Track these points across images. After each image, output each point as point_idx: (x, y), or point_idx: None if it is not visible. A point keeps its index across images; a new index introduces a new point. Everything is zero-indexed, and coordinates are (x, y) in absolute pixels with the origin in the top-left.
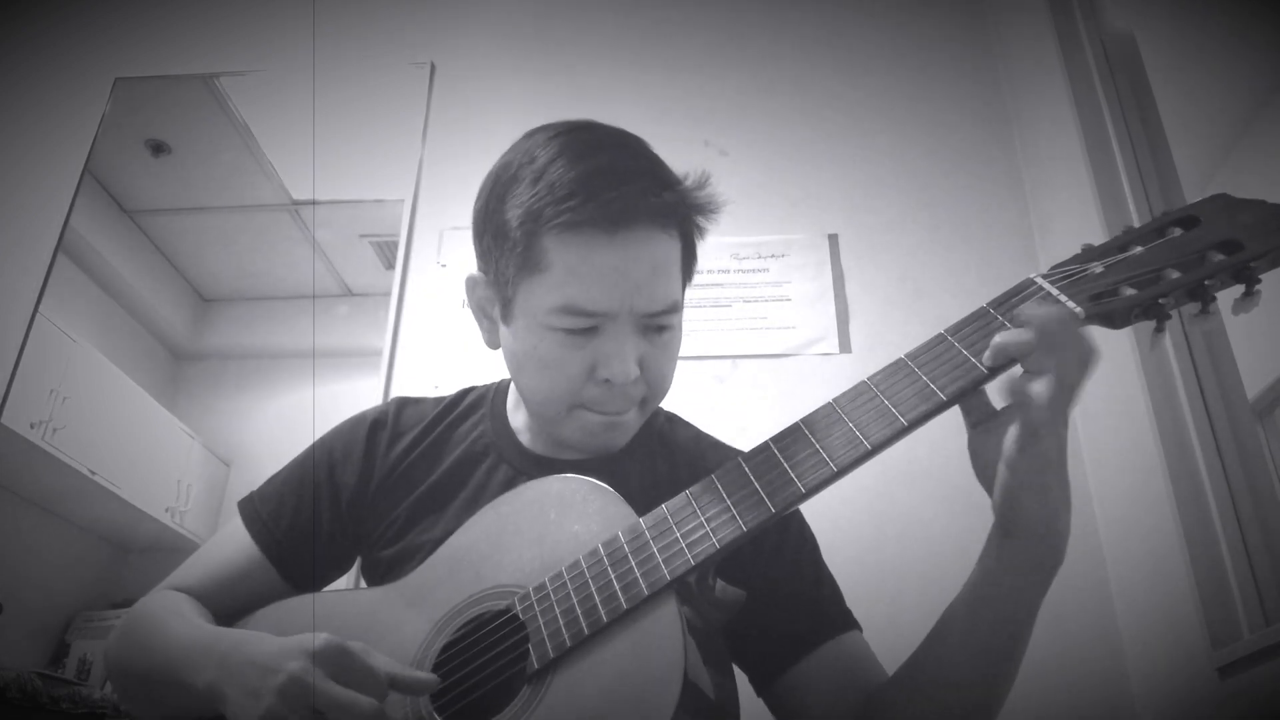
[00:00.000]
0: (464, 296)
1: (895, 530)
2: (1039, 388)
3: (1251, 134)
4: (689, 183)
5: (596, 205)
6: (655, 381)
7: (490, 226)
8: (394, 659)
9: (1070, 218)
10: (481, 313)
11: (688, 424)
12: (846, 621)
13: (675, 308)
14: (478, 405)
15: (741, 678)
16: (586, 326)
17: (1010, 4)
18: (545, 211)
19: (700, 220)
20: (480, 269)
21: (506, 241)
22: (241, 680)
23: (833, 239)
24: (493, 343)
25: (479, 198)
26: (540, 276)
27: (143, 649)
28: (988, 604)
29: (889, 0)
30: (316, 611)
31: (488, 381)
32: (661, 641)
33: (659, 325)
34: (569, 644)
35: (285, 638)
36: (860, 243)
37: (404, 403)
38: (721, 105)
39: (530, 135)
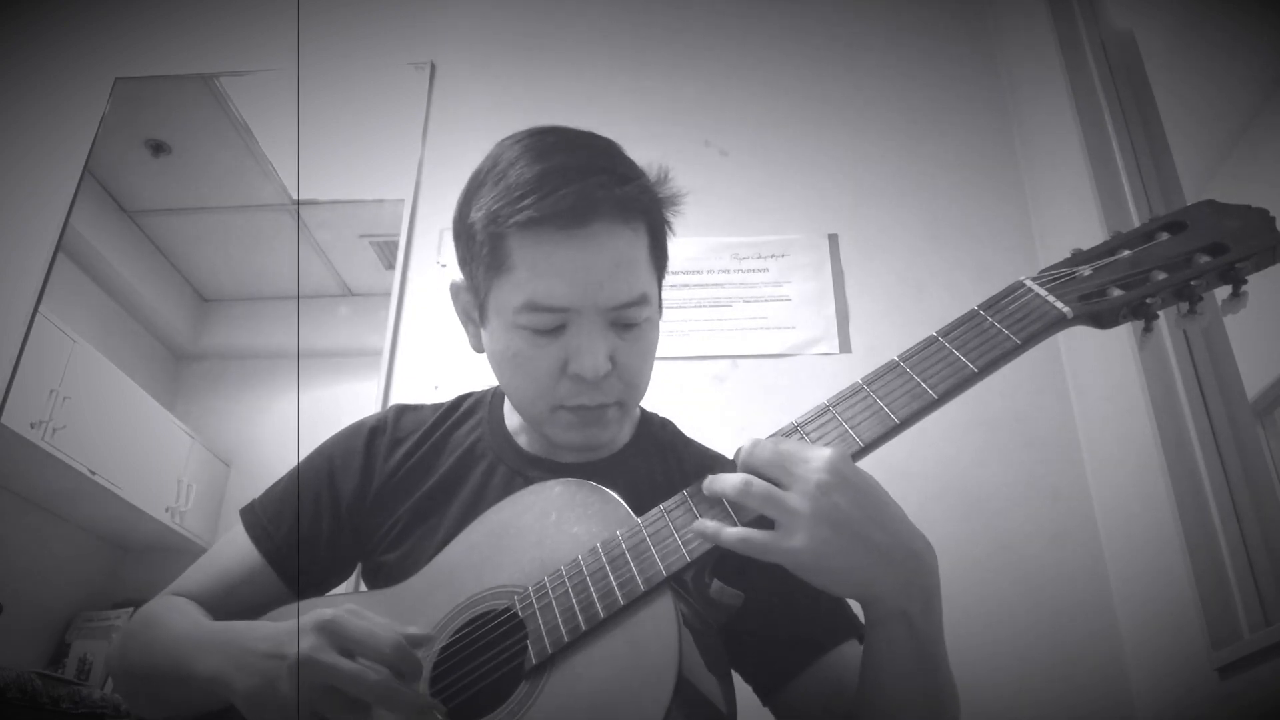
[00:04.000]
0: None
1: None
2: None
3: (1251, 134)
4: (651, 176)
5: (553, 201)
6: (630, 378)
7: (462, 234)
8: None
9: (1070, 217)
10: (466, 318)
11: (680, 431)
12: (849, 628)
13: (644, 300)
14: (475, 409)
15: (743, 689)
16: (553, 325)
17: (1010, 4)
18: (503, 211)
19: (664, 212)
20: (461, 275)
21: (474, 245)
22: (247, 669)
23: (833, 239)
24: (478, 346)
25: (455, 207)
26: (506, 277)
27: (145, 648)
28: (878, 653)
29: (889, 0)
30: None
31: (487, 385)
32: (656, 636)
33: (628, 320)
34: (566, 640)
35: (281, 623)
36: (860, 243)
37: (403, 410)
38: (721, 105)
39: (500, 143)
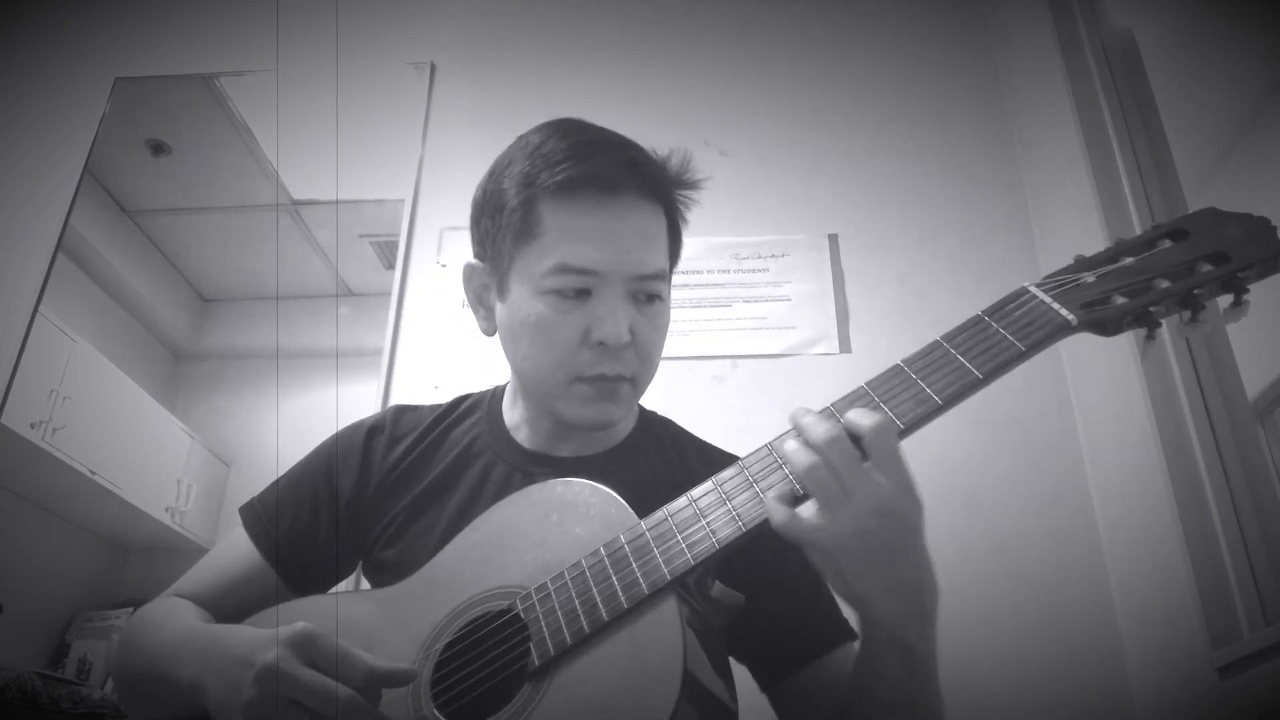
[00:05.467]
0: (462, 296)
1: None
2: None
3: (1251, 134)
4: (674, 162)
5: (589, 166)
6: (646, 352)
7: (489, 206)
8: (396, 659)
9: (1070, 217)
10: (478, 300)
11: (681, 427)
12: (843, 633)
13: (663, 276)
14: (474, 409)
15: (743, 676)
16: (579, 287)
17: (1010, 4)
18: (540, 175)
19: (682, 196)
20: (477, 255)
21: (502, 214)
22: (220, 674)
23: (833, 239)
24: (489, 329)
25: (478, 189)
26: (536, 242)
27: (138, 651)
28: (870, 665)
29: (889, 0)
30: (319, 615)
31: (486, 386)
32: (661, 639)
33: (649, 293)
34: (569, 642)
35: (262, 630)
36: (860, 243)
37: (401, 410)
38: (721, 105)
39: (523, 134)
